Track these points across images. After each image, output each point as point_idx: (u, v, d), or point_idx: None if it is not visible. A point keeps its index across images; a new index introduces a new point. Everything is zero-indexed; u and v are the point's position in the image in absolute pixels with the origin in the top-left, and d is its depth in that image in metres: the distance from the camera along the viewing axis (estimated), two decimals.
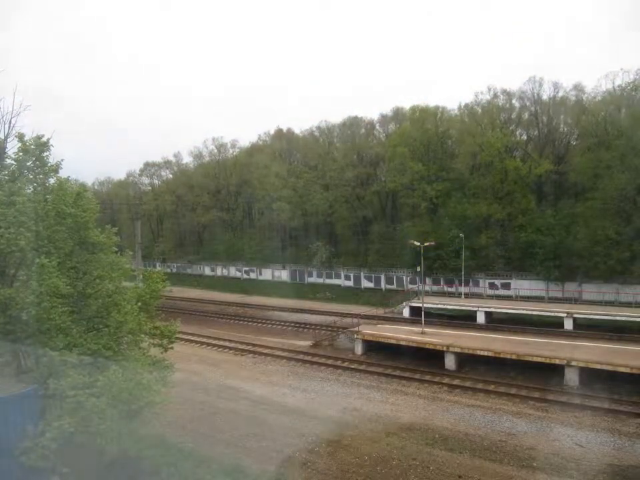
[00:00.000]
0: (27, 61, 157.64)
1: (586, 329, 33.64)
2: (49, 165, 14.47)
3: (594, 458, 16.33)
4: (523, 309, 37.88)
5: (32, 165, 14.18)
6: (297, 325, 40.69)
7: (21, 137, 14.08)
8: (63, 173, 15.01)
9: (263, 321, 43.14)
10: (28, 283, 12.39)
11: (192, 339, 35.17)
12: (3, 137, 16.32)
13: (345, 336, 32.87)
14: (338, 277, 58.33)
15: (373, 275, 55.28)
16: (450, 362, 27.05)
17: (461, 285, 45.47)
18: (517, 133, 53.81)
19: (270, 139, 74.84)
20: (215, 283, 68.59)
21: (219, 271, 72.90)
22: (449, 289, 47.74)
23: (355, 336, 31.40)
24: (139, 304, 15.45)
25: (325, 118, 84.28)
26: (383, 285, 54.20)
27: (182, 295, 57.10)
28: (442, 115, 55.97)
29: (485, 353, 26.34)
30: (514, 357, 25.43)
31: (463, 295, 44.84)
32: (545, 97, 50.18)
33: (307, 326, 39.95)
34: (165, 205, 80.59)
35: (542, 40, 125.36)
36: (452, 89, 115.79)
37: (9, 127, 16.48)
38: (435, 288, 48.46)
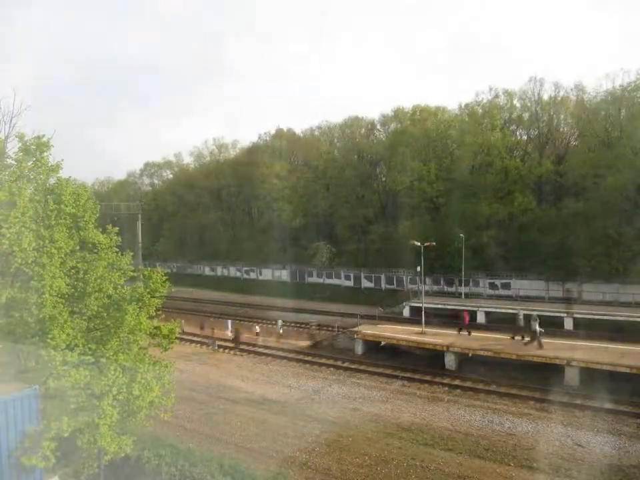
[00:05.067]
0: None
1: (586, 328, 33.59)
2: (50, 165, 14.44)
3: (594, 458, 16.32)
4: (523, 309, 37.78)
5: (32, 165, 14.15)
6: (297, 325, 40.74)
7: (21, 137, 14.03)
8: (62, 173, 15.00)
9: (263, 321, 43.16)
10: (30, 283, 12.38)
11: (192, 339, 35.20)
12: (3, 137, 16.26)
13: (345, 336, 32.87)
14: (338, 276, 58.35)
15: (373, 275, 55.28)
16: (450, 362, 27.06)
17: (461, 284, 45.49)
18: (518, 132, 53.87)
19: (270, 139, 74.89)
20: (215, 283, 68.62)
21: (219, 271, 72.97)
22: (449, 289, 47.73)
23: (355, 336, 31.40)
24: (139, 303, 15.42)
25: (325, 118, 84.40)
26: (383, 285, 54.19)
27: (182, 295, 57.08)
28: (442, 115, 56.02)
29: (485, 353, 26.34)
30: (514, 356, 25.44)
31: (463, 295, 44.83)
32: (545, 96, 50.32)
33: (307, 326, 40.01)
34: (165, 205, 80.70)
35: (542, 40, 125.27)
36: (453, 89, 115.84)
37: (9, 126, 16.45)
38: (435, 288, 48.52)
